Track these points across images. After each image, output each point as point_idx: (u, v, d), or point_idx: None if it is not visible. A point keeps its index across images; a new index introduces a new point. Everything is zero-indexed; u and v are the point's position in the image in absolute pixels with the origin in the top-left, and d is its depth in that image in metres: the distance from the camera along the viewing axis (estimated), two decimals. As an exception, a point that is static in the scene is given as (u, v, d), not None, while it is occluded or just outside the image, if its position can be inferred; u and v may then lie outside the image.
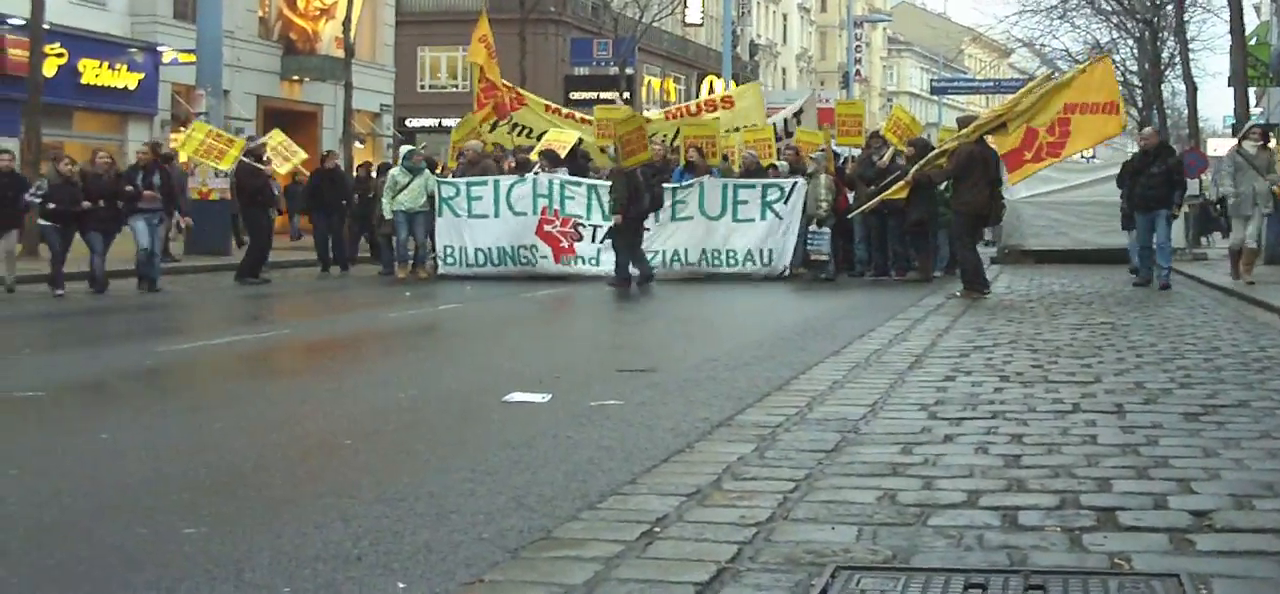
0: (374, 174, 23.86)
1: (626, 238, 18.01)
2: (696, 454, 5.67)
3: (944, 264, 20.35)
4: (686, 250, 19.75)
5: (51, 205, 17.00)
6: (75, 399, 8.32)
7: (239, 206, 21.16)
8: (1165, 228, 17.34)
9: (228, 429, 6.67)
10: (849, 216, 19.28)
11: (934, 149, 17.82)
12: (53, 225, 17.14)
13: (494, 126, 22.07)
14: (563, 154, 20.81)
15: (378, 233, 21.52)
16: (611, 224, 18.28)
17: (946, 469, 5.27)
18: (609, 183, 18.80)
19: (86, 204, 16.86)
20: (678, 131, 22.37)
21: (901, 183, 17.48)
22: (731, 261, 19.48)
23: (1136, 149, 19.89)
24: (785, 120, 24.27)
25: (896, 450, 5.64)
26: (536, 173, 20.21)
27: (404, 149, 22.05)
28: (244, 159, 19.59)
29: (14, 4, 26.01)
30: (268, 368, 9.89)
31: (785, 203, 19.55)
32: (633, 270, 18.02)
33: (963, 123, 17.42)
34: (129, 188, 17.62)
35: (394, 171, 20.67)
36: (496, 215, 19.98)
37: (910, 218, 19.11)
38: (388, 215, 20.19)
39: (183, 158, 21.76)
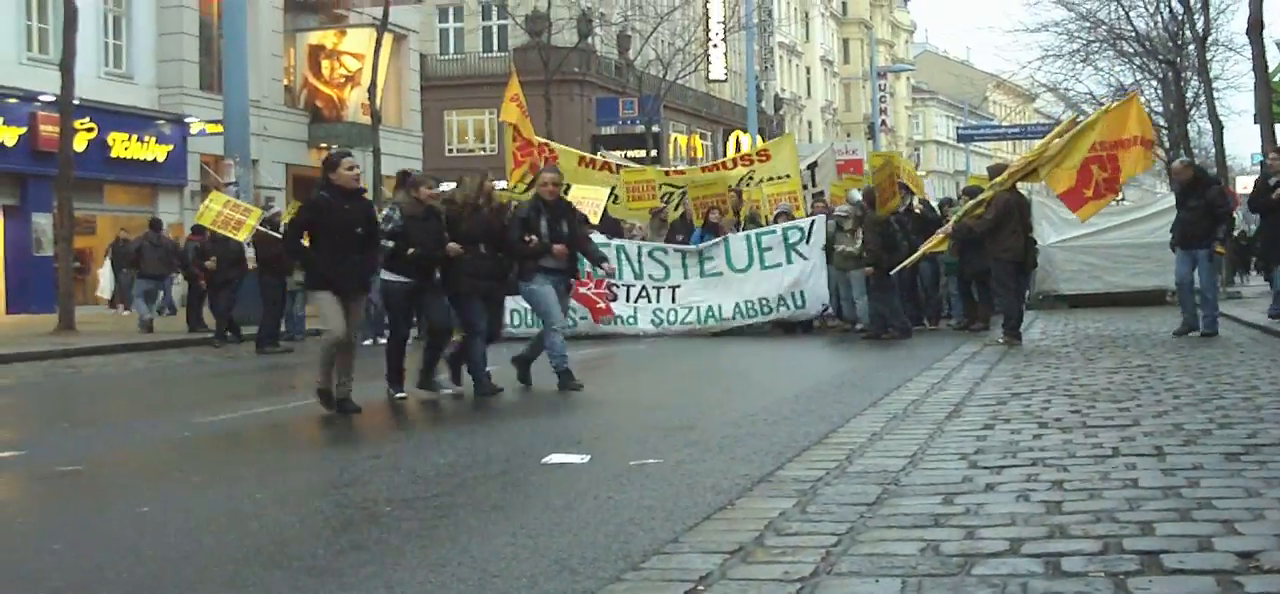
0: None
1: (883, 286, 18.00)
2: (738, 510, 5.66)
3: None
4: (720, 306, 19.85)
5: (410, 250, 11.25)
6: (114, 472, 8.34)
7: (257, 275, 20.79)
8: (1206, 269, 16.18)
9: (268, 499, 6.68)
10: (891, 273, 19.13)
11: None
12: (401, 282, 11.45)
13: (531, 186, 22.00)
14: (594, 216, 20.75)
15: None
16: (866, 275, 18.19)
17: (988, 518, 5.25)
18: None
19: (454, 247, 11.45)
20: (684, 193, 22.28)
21: (940, 235, 17.39)
22: (765, 310, 19.67)
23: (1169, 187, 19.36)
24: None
25: (938, 501, 5.62)
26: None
27: None
28: (260, 228, 19.59)
29: (44, 81, 26.37)
30: (305, 437, 9.91)
31: (807, 242, 19.63)
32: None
33: (994, 171, 17.34)
34: (529, 238, 11.87)
35: None
36: None
37: (971, 269, 18.99)
38: None
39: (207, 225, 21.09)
